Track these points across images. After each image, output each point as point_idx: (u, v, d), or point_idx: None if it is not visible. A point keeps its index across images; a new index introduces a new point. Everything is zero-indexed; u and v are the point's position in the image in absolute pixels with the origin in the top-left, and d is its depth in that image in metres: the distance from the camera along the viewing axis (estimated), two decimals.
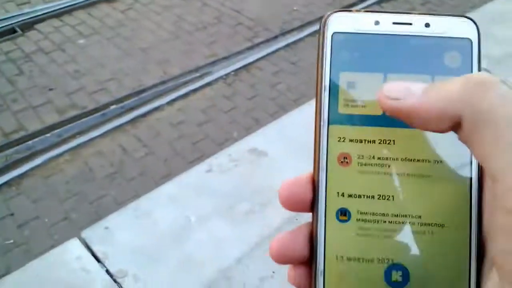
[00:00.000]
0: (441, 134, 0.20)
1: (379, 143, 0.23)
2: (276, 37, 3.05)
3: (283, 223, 1.01)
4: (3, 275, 1.64)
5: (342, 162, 0.23)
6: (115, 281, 0.86)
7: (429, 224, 0.22)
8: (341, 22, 0.23)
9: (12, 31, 3.00)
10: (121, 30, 3.02)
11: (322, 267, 0.23)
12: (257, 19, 3.20)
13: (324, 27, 0.24)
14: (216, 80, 2.68)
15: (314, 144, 0.24)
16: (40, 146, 2.24)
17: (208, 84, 2.64)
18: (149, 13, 3.22)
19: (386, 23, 0.23)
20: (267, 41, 3.01)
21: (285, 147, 1.19)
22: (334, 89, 0.23)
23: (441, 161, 0.22)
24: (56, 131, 2.31)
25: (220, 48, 2.94)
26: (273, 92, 2.64)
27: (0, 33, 2.98)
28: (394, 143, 0.22)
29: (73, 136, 2.31)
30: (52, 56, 2.79)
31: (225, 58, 2.85)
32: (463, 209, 0.22)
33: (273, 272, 0.93)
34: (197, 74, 2.70)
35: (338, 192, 0.23)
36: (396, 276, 0.22)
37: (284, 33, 3.08)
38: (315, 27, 3.16)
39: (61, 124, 2.35)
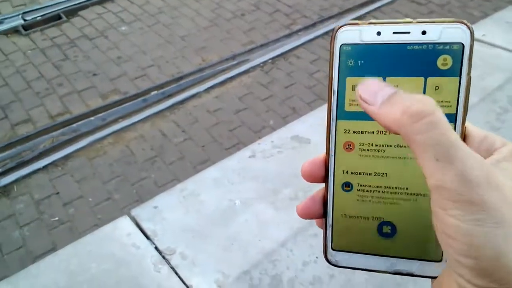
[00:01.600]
0: None
1: (376, 133, 0.29)
2: (314, 24, 3.01)
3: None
4: (50, 250, 1.73)
5: (347, 148, 0.29)
6: (163, 257, 0.89)
7: (413, 194, 0.28)
8: (347, 35, 0.28)
9: (58, 17, 3.11)
10: (161, 18, 3.07)
11: (331, 222, 0.30)
12: (295, 6, 3.17)
13: (333, 39, 0.29)
14: (254, 67, 2.68)
15: (326, 135, 0.29)
16: (85, 129, 2.33)
17: (246, 71, 2.65)
18: (188, 0, 3.25)
19: (387, 33, 0.28)
20: (305, 28, 2.98)
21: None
22: (341, 92, 0.29)
23: None
24: (100, 115, 2.40)
25: (257, 35, 2.94)
26: (311, 81, 2.62)
27: (46, 19, 3.09)
28: (387, 133, 0.28)
29: (116, 120, 2.39)
30: (96, 42, 2.87)
31: (262, 45, 2.84)
32: None
33: (317, 257, 0.93)
34: (235, 62, 2.71)
35: (343, 170, 0.30)
36: (386, 229, 0.29)
37: (322, 20, 3.04)
38: (354, 14, 3.09)
39: (105, 108, 2.44)
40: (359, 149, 0.29)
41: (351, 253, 0.30)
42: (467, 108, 0.27)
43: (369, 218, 0.30)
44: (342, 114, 0.29)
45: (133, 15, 3.08)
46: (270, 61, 2.74)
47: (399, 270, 0.29)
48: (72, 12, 3.14)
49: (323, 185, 0.31)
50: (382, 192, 0.29)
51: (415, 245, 0.29)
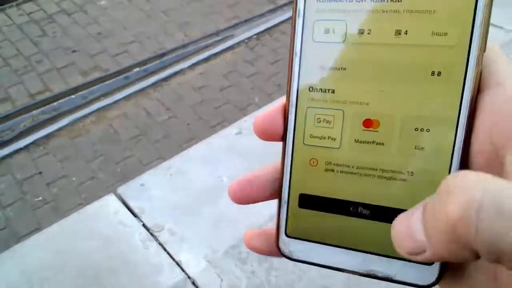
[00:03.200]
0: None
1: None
2: None
3: None
4: (34, 230, 1.71)
5: (310, 99, 0.23)
6: (151, 234, 0.89)
7: (402, 172, 0.22)
8: None
9: None
10: None
11: (287, 198, 0.24)
12: None
13: None
14: (238, 43, 2.64)
15: (287, 78, 0.24)
16: (66, 107, 2.28)
17: (230, 48, 2.61)
18: None
19: None
20: (290, 3, 2.93)
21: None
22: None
23: None
24: (80, 92, 2.34)
25: (242, 10, 2.88)
26: None
27: None
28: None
29: (97, 98, 2.34)
30: (75, 18, 2.78)
31: (247, 20, 2.80)
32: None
33: None
34: (219, 38, 2.67)
35: (305, 129, 0.23)
36: (361, 213, 0.22)
37: None
38: None
39: (86, 86, 2.38)
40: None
41: (311, 243, 0.23)
42: (485, 42, 0.20)
43: (339, 196, 0.23)
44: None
45: None
46: (254, 37, 2.71)
47: (374, 272, 0.22)
48: None
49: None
50: (357, 168, 0.22)
51: None
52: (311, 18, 0.22)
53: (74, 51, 2.57)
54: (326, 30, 0.22)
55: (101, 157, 2.05)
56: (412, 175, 0.21)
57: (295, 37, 0.23)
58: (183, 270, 0.84)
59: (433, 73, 0.21)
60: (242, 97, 2.35)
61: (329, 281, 0.85)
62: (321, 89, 0.22)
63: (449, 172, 0.20)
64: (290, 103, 0.23)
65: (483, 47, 0.20)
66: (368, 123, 0.22)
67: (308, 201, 0.23)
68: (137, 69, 2.47)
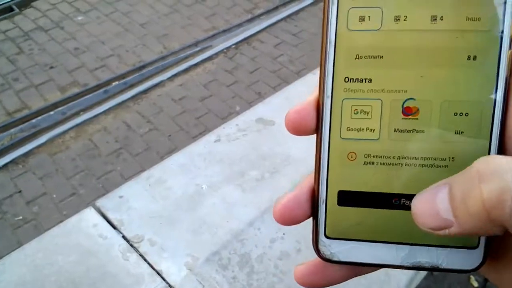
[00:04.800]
0: None
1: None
2: (276, 8, 3.01)
3: (292, 188, 1.03)
4: (15, 250, 1.68)
5: (347, 90, 0.23)
6: (131, 245, 0.89)
7: (440, 160, 0.22)
8: None
9: (9, 9, 2.96)
10: (119, 5, 2.98)
11: (325, 197, 0.23)
12: None
13: None
14: (217, 54, 2.66)
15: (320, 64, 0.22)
16: (45, 124, 2.25)
17: (209, 58, 2.63)
18: None
19: None
20: (268, 12, 2.97)
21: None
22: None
23: None
24: (59, 108, 2.32)
25: (219, 21, 2.91)
26: (275, 65, 2.63)
27: None
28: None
29: (76, 114, 2.32)
30: (51, 34, 2.76)
31: (225, 31, 2.82)
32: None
33: (284, 234, 0.95)
34: (197, 48, 2.68)
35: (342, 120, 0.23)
36: (402, 206, 0.22)
37: (284, 4, 3.05)
38: None
39: (64, 102, 2.36)
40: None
41: (353, 242, 0.22)
42: None
43: (381, 189, 0.22)
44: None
45: (89, 4, 2.97)
46: (233, 46, 2.73)
47: (420, 263, 0.21)
48: (24, 4, 2.99)
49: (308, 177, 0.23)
50: (397, 158, 0.22)
51: None
52: (346, 5, 0.21)
53: (51, 67, 2.55)
54: (361, 18, 0.21)
55: (81, 173, 2.03)
56: (453, 161, 0.21)
57: (329, 26, 0.22)
58: (164, 279, 0.84)
59: (469, 57, 0.21)
60: (223, 106, 2.37)
61: None
62: (358, 79, 0.22)
63: (489, 152, 0.21)
64: (325, 95, 0.22)
65: None
66: (408, 110, 0.21)
67: (348, 198, 0.22)
68: (116, 82, 2.46)
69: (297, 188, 0.23)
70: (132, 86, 2.44)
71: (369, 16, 0.21)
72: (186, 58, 2.62)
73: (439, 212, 0.18)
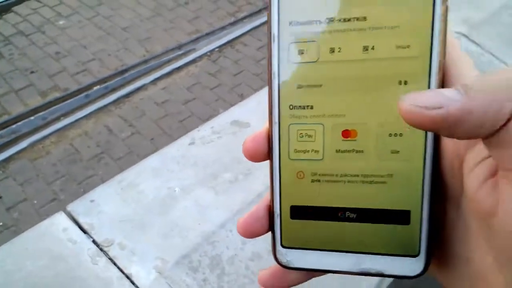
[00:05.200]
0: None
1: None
2: (260, 11, 3.02)
3: (265, 190, 1.03)
4: None
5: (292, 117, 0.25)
6: (101, 249, 0.88)
7: (382, 175, 0.23)
8: None
9: None
10: (101, 9, 2.97)
11: (279, 211, 0.25)
12: None
13: None
14: (200, 57, 2.66)
15: (267, 96, 0.25)
16: (25, 129, 2.23)
17: (192, 61, 2.63)
18: None
19: None
20: (251, 15, 2.98)
21: (266, 117, 1.20)
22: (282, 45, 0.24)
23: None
24: (40, 113, 2.30)
25: (203, 24, 2.91)
26: (258, 67, 2.64)
27: None
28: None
29: (57, 118, 2.30)
30: (32, 39, 2.74)
31: (208, 34, 2.82)
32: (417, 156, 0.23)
33: None
34: (180, 52, 2.68)
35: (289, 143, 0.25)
36: (348, 218, 0.24)
37: (267, 7, 3.05)
38: None
39: (45, 107, 2.34)
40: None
41: (306, 251, 0.25)
42: (444, 49, 0.22)
43: (327, 203, 0.24)
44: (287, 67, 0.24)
45: (70, 8, 2.96)
46: (217, 49, 2.73)
47: (366, 270, 0.24)
48: (4, 8, 2.96)
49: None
50: (340, 176, 0.24)
51: (383, 234, 0.23)
52: (286, 41, 0.24)
53: (32, 72, 2.52)
54: (300, 51, 0.24)
55: (62, 178, 2.01)
56: (391, 177, 0.23)
57: (272, 60, 0.24)
58: (132, 283, 0.83)
59: (400, 83, 0.22)
60: (206, 109, 2.36)
61: None
62: (301, 106, 0.24)
63: (424, 171, 0.22)
64: (273, 121, 0.24)
65: (443, 54, 0.22)
66: (346, 134, 0.23)
67: (299, 212, 0.25)
68: (97, 87, 2.45)
69: (256, 206, 0.26)
70: (114, 90, 2.43)
71: (307, 49, 0.23)
72: (169, 61, 2.62)
73: (441, 91, 0.18)
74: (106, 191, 0.99)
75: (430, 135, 0.22)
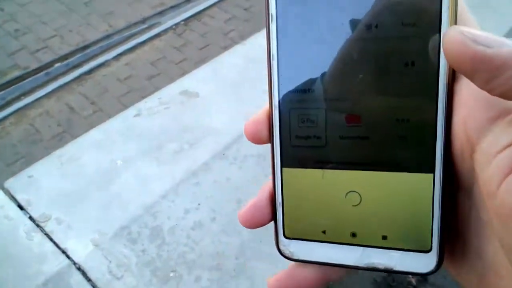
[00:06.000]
0: None
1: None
2: None
3: (210, 158, 1.02)
4: None
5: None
6: (37, 225, 0.86)
7: (390, 164, 0.22)
8: None
9: None
10: None
11: (281, 200, 0.24)
12: None
13: None
14: (165, 30, 2.59)
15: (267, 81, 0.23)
16: None
17: (157, 35, 2.55)
18: None
19: None
20: None
21: (217, 87, 1.17)
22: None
23: None
24: None
25: None
26: (226, 41, 2.57)
27: None
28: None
29: (17, 98, 2.23)
30: None
31: (173, 7, 2.74)
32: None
33: (199, 204, 0.94)
34: (145, 26, 2.60)
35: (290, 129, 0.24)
36: (355, 208, 0.22)
37: None
38: None
39: (4, 86, 2.26)
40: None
41: (310, 242, 0.23)
42: None
43: (331, 191, 0.23)
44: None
45: None
46: (182, 22, 2.66)
47: (374, 264, 0.22)
48: None
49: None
50: (345, 163, 0.22)
51: (394, 228, 0.22)
52: (287, 20, 0.22)
53: None
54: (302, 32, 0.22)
55: (22, 159, 1.96)
56: (398, 165, 0.21)
57: (271, 40, 0.22)
58: (68, 257, 0.82)
59: (406, 64, 0.20)
60: None
61: (222, 247, 0.86)
62: (302, 90, 0.22)
63: (434, 158, 0.20)
64: (273, 106, 0.23)
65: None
66: (350, 119, 0.22)
67: (302, 201, 0.23)
68: (58, 64, 2.37)
69: (259, 193, 0.24)
70: (75, 67, 2.36)
71: (309, 26, 0.22)
72: (132, 36, 2.54)
73: (493, 36, 0.17)
74: (45, 166, 0.96)
75: (440, 118, 0.20)
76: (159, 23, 2.64)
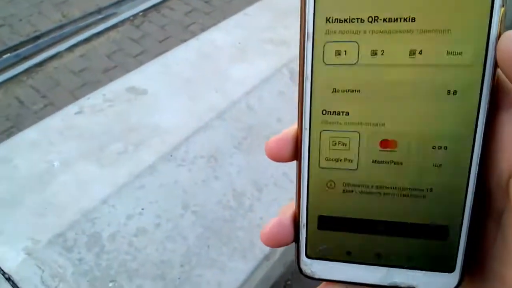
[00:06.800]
0: None
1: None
2: None
3: (156, 160, 0.98)
4: None
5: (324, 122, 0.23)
6: None
7: (417, 189, 0.22)
8: None
9: None
10: None
11: (305, 221, 0.24)
12: None
13: None
14: (122, 22, 2.50)
15: (297, 94, 0.23)
16: None
17: (114, 26, 2.47)
18: None
19: None
20: None
21: (167, 84, 1.13)
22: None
23: None
24: None
25: None
26: (186, 34, 2.52)
27: None
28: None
29: None
30: None
31: None
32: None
33: (142, 209, 0.91)
34: (101, 16, 2.50)
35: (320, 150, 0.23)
36: (379, 230, 0.23)
37: None
38: None
39: None
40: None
41: (332, 262, 0.24)
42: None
43: (359, 215, 0.23)
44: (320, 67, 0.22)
45: None
46: (141, 14, 2.57)
47: (397, 283, 0.23)
48: None
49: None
50: (375, 188, 0.23)
51: (418, 249, 0.22)
52: (321, 40, 0.22)
53: None
54: (337, 52, 0.22)
55: None
56: (431, 191, 0.22)
57: (305, 60, 0.22)
58: None
59: (448, 92, 0.21)
60: None
61: (167, 255, 0.83)
62: (335, 112, 0.22)
63: (467, 186, 0.21)
64: (303, 127, 0.23)
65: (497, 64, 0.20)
66: (385, 144, 0.22)
67: (327, 223, 0.23)
68: (7, 55, 2.25)
69: (281, 213, 0.24)
70: (25, 58, 2.24)
71: (345, 51, 0.21)
72: (87, 26, 2.44)
73: None
74: None
75: (477, 147, 0.21)
76: (116, 14, 2.55)
